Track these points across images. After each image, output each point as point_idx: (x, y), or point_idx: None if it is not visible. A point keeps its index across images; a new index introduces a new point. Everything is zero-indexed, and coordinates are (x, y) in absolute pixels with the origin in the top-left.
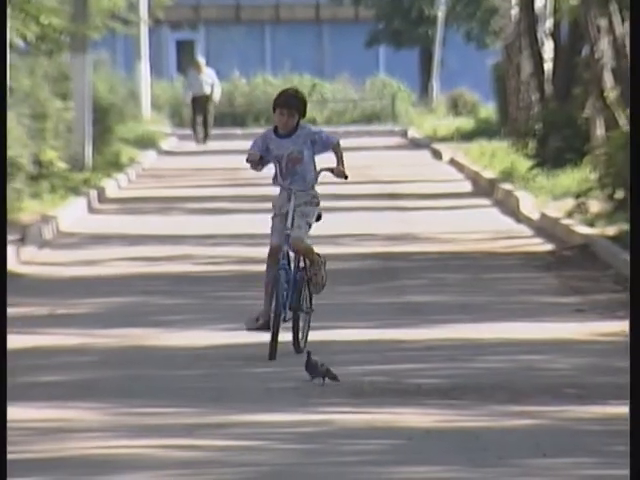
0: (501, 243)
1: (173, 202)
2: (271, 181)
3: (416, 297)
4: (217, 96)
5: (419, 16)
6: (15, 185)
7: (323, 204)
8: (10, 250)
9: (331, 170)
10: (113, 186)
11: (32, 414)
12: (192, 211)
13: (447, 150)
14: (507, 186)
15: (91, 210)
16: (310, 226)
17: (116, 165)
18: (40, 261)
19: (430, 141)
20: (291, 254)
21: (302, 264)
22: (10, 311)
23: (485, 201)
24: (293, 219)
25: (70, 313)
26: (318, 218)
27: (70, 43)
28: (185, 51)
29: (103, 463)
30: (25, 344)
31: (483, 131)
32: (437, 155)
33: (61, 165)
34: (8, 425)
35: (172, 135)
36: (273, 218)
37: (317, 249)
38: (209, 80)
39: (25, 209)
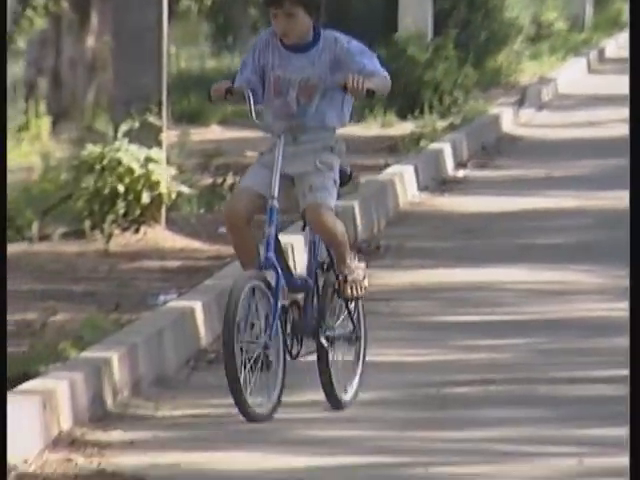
0: None
1: None
2: (253, 118)
3: None
4: None
5: None
6: (515, 47)
7: None
8: (509, 112)
9: (343, 85)
10: (613, 45)
11: (532, 276)
12: None
13: None
14: None
15: (590, 71)
16: (337, 186)
17: (616, 24)
18: (538, 123)
19: None
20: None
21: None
22: (507, 173)
23: None
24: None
25: (566, 175)
26: (347, 179)
27: None
28: None
29: (603, 325)
30: (523, 206)
31: None
32: None
33: (561, 25)
34: (505, 287)
35: None
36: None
37: None
38: None
39: (524, 70)
